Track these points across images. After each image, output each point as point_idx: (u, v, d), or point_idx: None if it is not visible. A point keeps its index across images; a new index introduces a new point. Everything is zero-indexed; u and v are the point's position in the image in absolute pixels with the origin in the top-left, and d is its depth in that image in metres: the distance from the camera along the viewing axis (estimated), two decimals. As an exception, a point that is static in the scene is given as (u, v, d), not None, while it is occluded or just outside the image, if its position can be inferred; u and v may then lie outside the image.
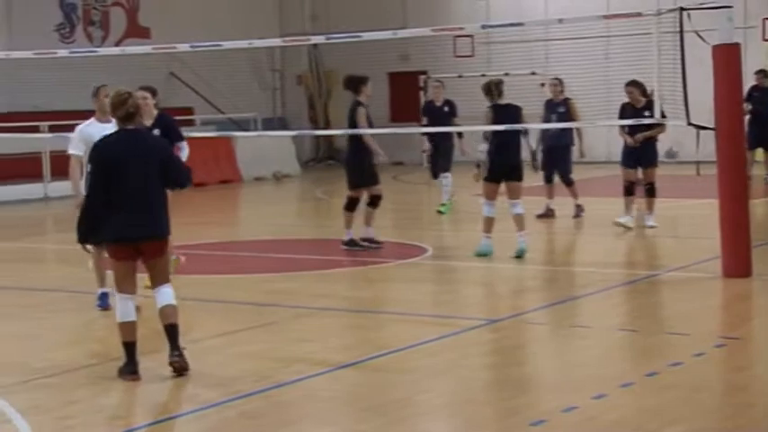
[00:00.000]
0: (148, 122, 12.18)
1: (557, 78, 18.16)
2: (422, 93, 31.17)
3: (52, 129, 21.41)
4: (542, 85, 28.37)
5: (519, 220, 13.67)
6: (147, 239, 8.30)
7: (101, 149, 8.37)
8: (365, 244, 14.59)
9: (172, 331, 8.29)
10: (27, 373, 8.66)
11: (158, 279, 8.45)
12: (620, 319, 10.60)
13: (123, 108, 8.26)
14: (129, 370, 8.13)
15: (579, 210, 17.55)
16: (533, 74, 28.78)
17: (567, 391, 7.79)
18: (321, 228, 18.61)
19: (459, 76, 30.23)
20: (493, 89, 13.94)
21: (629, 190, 16.05)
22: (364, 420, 7.36)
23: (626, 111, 16.01)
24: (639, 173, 16.06)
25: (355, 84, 14.91)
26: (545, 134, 17.66)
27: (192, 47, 17.82)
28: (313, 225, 19.71)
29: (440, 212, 18.67)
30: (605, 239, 15.87)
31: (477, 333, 9.88)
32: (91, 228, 8.31)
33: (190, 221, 18.13)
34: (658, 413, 7.12)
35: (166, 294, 8.37)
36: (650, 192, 16.14)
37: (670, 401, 7.41)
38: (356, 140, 14.74)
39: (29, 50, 20.08)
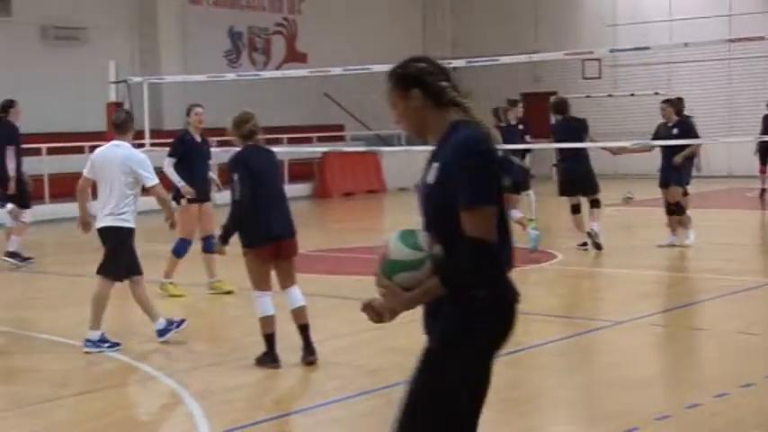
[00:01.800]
0: (197, 137, 12.46)
1: (678, 98, 17.74)
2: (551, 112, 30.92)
3: (220, 143, 21.84)
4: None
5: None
6: (290, 237, 8.45)
7: (247, 160, 8.41)
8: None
9: (304, 331, 8.41)
10: (199, 358, 8.87)
11: (288, 280, 8.51)
12: (739, 323, 10.31)
13: (245, 126, 8.49)
14: (270, 359, 8.25)
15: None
16: (656, 94, 28.32)
17: (689, 390, 7.66)
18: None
19: (587, 96, 29.94)
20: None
21: (669, 209, 14.95)
22: (499, 411, 7.34)
23: (660, 129, 15.20)
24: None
25: (567, 106, 15.54)
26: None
27: (344, 70, 18.05)
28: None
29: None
30: (720, 248, 15.55)
31: (602, 333, 9.79)
32: (237, 229, 8.39)
33: (341, 227, 18.33)
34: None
35: (297, 296, 8.47)
36: (670, 211, 14.91)
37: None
38: (586, 151, 15.16)
39: (201, 74, 20.62)
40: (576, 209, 15.20)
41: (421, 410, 3.93)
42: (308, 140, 27.34)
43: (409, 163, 27.65)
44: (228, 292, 11.99)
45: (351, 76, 21.35)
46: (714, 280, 12.74)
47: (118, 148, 9.41)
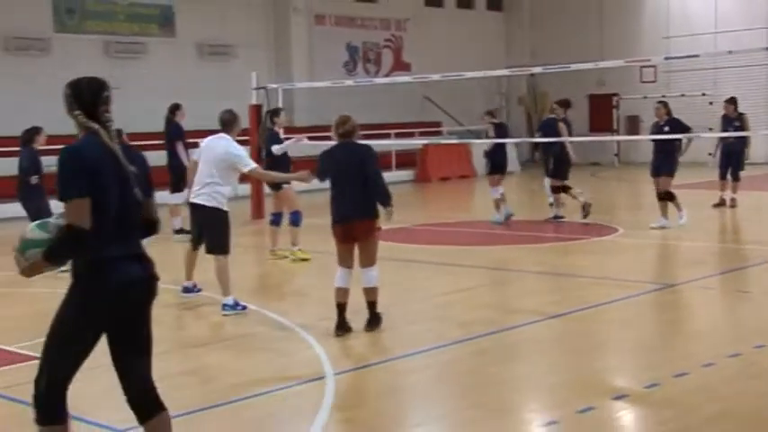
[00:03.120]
0: (281, 133, 12.37)
1: (732, 98, 17.25)
2: (614, 110, 30.43)
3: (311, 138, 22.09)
4: (711, 103, 27.25)
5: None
6: (357, 219, 7.83)
7: (326, 155, 8.10)
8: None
9: (371, 307, 7.92)
10: (321, 313, 8.92)
11: (365, 261, 7.90)
12: (775, 286, 10.02)
13: (344, 127, 7.96)
14: (336, 325, 7.87)
15: (734, 202, 16.70)
16: (703, 95, 27.65)
17: (732, 342, 7.45)
18: (535, 212, 18.33)
19: (644, 98, 29.32)
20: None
21: (660, 196, 14.24)
22: (570, 357, 7.27)
23: (653, 127, 14.73)
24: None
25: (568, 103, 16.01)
26: (723, 141, 16.86)
27: (441, 76, 17.95)
28: (528, 209, 19.48)
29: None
30: (763, 223, 15.10)
31: (657, 295, 9.57)
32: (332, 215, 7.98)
33: (439, 206, 18.22)
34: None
35: (371, 277, 7.87)
36: (667, 197, 14.11)
37: (817, 353, 6.99)
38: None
39: (325, 81, 20.71)
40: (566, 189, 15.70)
41: (50, 332, 4.21)
42: (411, 135, 27.32)
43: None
44: (305, 260, 11.96)
45: (446, 82, 21.22)
46: (757, 250, 12.37)
47: (221, 140, 9.19)
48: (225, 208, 8.99)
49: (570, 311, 8.69)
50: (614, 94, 30.65)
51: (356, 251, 7.99)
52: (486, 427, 5.58)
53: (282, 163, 12.16)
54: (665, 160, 14.31)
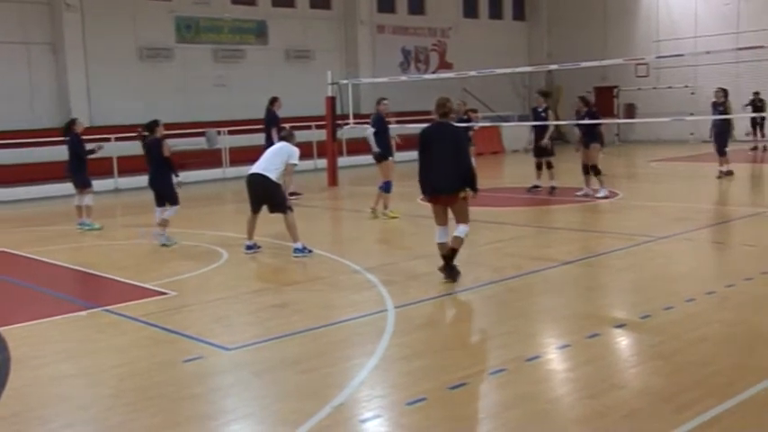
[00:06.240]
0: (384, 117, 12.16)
1: (722, 89, 16.65)
2: (614, 99, 29.76)
3: (398, 122, 21.91)
4: (693, 93, 26.47)
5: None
6: (447, 192, 7.42)
7: (422, 133, 7.53)
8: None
9: (450, 253, 7.50)
10: (384, 257, 8.88)
11: (458, 219, 7.51)
12: (741, 238, 9.74)
13: (442, 108, 7.48)
14: (442, 269, 7.64)
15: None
16: (686, 87, 26.91)
17: (709, 282, 7.28)
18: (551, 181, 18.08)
19: (639, 89, 28.68)
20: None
21: (585, 169, 14.03)
22: (579, 294, 7.17)
23: (578, 114, 14.50)
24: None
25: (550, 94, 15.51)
26: (713, 123, 16.56)
27: (477, 73, 17.71)
28: (546, 179, 19.21)
29: None
30: (746, 189, 14.68)
31: (649, 245, 9.37)
32: (420, 185, 7.57)
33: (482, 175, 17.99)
34: (771, 299, 6.54)
35: (459, 230, 7.48)
36: (594, 171, 13.78)
37: (779, 292, 6.79)
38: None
39: (384, 77, 20.53)
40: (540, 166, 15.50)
41: None
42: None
43: (520, 133, 27.15)
44: (394, 217, 11.90)
45: (481, 77, 20.92)
46: (730, 210, 12.04)
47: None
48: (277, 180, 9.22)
49: (580, 259, 8.58)
50: (615, 87, 29.97)
51: (450, 212, 7.56)
52: (516, 349, 5.54)
53: (383, 139, 12.04)
54: (589, 136, 14.09)
